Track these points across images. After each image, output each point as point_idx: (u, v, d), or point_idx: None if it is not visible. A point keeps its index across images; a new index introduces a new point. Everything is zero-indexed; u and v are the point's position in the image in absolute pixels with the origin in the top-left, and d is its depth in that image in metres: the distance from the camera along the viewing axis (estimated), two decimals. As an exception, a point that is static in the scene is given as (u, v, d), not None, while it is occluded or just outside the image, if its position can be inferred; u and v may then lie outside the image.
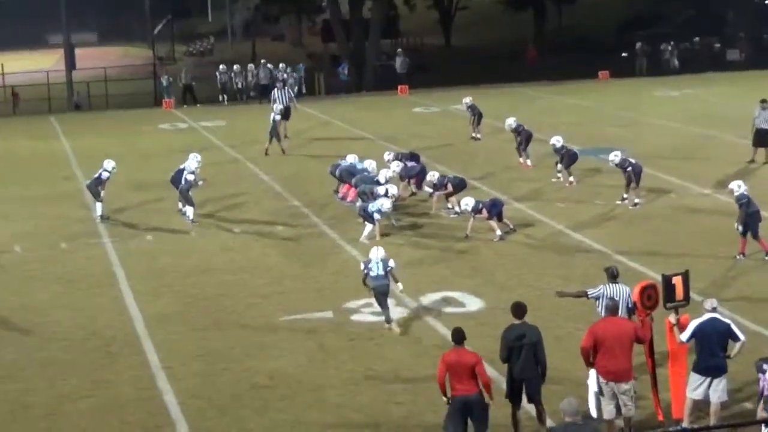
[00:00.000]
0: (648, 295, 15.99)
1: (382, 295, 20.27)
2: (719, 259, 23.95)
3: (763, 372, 14.68)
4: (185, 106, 52.64)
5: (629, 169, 28.74)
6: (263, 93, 50.48)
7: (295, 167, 35.24)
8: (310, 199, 30.42)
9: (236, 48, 78.88)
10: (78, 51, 61.00)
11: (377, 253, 20.53)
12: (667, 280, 15.72)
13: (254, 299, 22.29)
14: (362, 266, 20.61)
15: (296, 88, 53.02)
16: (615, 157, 29.01)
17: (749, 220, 23.85)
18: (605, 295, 16.80)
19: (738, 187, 24.32)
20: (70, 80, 54.50)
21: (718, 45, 64.56)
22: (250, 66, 54.75)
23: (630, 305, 16.61)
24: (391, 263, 20.43)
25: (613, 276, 17.21)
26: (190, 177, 28.32)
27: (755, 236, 23.96)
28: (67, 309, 22.08)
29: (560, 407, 12.94)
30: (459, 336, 14.99)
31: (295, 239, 26.78)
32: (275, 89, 42.86)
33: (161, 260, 25.33)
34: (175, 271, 24.40)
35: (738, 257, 23.91)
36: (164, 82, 54.13)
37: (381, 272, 20.28)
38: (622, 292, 16.85)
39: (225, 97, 53.72)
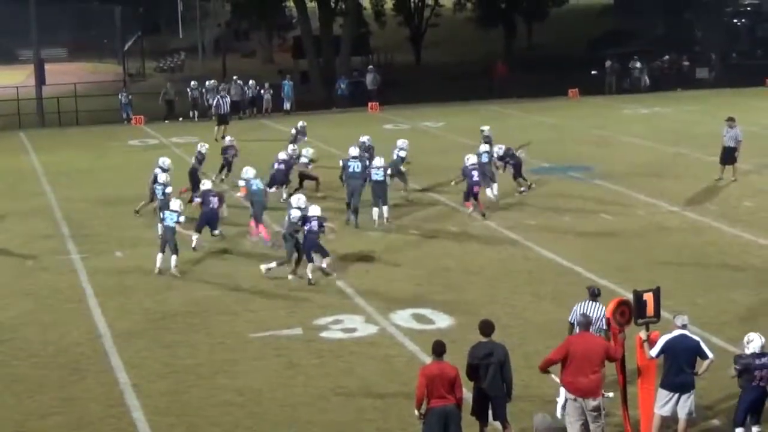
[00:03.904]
0: (621, 311, 16.02)
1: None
2: (688, 275, 24.06)
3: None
4: (166, 121, 52.63)
5: (510, 162, 32.22)
6: (234, 109, 50.74)
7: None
8: (281, 215, 30.34)
9: (207, 64, 78.72)
10: (48, 66, 60.75)
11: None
12: (638, 297, 15.72)
13: (223, 316, 22.23)
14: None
15: (289, 103, 54.77)
16: (499, 149, 32.25)
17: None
18: (577, 312, 16.77)
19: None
20: (40, 96, 54.27)
21: (687, 63, 64.92)
22: (224, 84, 54.69)
23: (603, 326, 16.56)
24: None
25: (593, 295, 17.09)
26: (170, 190, 28.08)
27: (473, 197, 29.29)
28: (36, 325, 21.96)
29: (533, 423, 12.96)
30: (441, 348, 14.89)
31: (265, 256, 26.71)
32: (217, 97, 47.63)
33: (130, 276, 25.23)
34: (144, 288, 24.31)
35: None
36: (123, 99, 53.98)
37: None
38: (597, 311, 16.80)
39: (196, 113, 53.65)
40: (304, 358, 19.73)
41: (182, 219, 25.53)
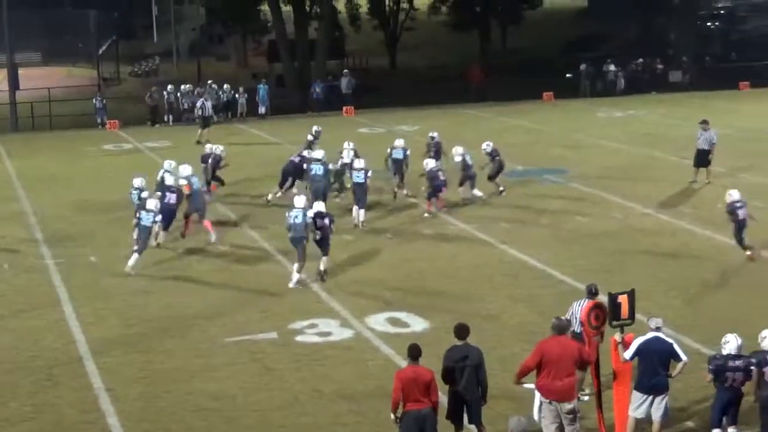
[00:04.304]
0: (596, 314, 16.04)
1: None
2: (663, 277, 24.14)
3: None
4: (149, 122, 52.64)
5: (497, 158, 32.59)
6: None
7: (239, 189, 35.08)
8: (256, 221, 30.34)
9: (181, 68, 78.51)
10: (22, 71, 60.44)
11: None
12: (612, 299, 15.77)
13: (198, 321, 22.16)
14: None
15: (264, 107, 55.06)
16: (487, 146, 32.77)
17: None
18: (574, 310, 16.85)
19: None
20: (14, 100, 54.01)
21: (660, 66, 65.11)
22: (200, 88, 54.50)
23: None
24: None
25: (591, 293, 17.08)
26: (145, 195, 27.65)
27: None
28: (9, 331, 21.85)
29: (509, 426, 12.96)
30: (417, 352, 14.92)
31: (240, 260, 26.70)
32: (201, 99, 48.19)
33: (105, 282, 25.13)
34: (118, 293, 24.21)
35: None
36: (97, 104, 53.76)
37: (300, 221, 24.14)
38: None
39: (170, 117, 53.56)
40: (280, 363, 19.70)
41: (158, 218, 25.58)
